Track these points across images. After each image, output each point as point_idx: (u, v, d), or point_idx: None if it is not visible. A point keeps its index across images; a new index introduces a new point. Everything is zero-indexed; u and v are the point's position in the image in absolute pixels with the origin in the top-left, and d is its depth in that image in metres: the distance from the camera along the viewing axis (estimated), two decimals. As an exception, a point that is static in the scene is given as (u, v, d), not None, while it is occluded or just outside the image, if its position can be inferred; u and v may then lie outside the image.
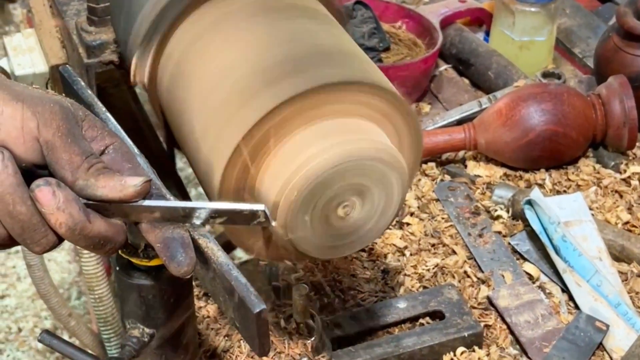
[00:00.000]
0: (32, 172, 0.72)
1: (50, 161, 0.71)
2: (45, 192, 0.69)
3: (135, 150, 0.82)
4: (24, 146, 0.70)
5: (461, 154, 1.31)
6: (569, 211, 1.16)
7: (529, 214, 1.14)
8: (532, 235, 1.16)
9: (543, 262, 1.14)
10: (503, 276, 1.12)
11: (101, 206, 0.72)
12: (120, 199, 0.71)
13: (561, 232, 1.11)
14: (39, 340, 0.85)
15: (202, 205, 0.74)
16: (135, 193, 0.71)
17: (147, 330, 0.87)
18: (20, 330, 2.37)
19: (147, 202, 0.72)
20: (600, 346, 1.03)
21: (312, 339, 0.96)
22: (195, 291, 1.05)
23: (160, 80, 0.96)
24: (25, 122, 0.70)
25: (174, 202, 0.74)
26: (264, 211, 0.76)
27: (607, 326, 1.03)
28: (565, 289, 1.10)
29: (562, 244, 1.10)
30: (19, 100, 0.71)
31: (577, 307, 1.08)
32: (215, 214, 0.74)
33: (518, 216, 1.20)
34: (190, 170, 2.60)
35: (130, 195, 0.71)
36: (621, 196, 1.24)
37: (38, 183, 0.69)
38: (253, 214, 0.76)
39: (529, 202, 1.14)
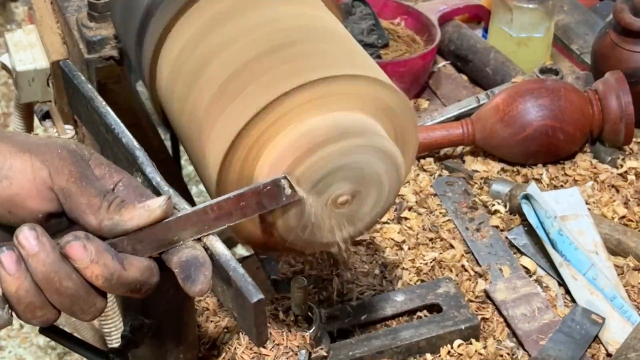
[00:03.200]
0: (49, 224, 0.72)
1: (70, 208, 0.71)
2: (75, 247, 0.68)
3: (135, 143, 0.83)
4: (39, 197, 0.70)
5: (459, 149, 1.32)
6: (566, 205, 1.17)
7: (526, 208, 1.14)
8: (529, 230, 1.17)
9: (540, 256, 1.15)
10: (500, 270, 1.12)
11: (136, 239, 0.72)
12: (151, 223, 0.71)
13: (557, 226, 1.12)
14: (40, 332, 0.86)
15: (226, 197, 0.75)
16: (163, 213, 0.71)
17: (146, 322, 0.88)
18: (22, 326, 2.38)
19: (175, 216, 0.72)
20: (597, 339, 1.04)
21: (311, 331, 0.96)
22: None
23: (159, 76, 0.97)
24: (36, 173, 0.70)
25: (201, 205, 0.74)
26: (287, 178, 0.77)
27: (603, 319, 1.04)
28: (561, 283, 1.11)
29: (558, 237, 1.11)
30: (25, 151, 0.70)
31: (573, 300, 1.09)
32: (241, 200, 0.75)
33: (515, 211, 1.21)
34: (191, 167, 2.61)
35: (159, 216, 0.71)
36: (618, 191, 1.24)
37: (67, 239, 0.68)
38: (277, 186, 0.77)
39: (526, 197, 1.15)
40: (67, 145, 0.73)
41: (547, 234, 1.12)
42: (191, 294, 0.72)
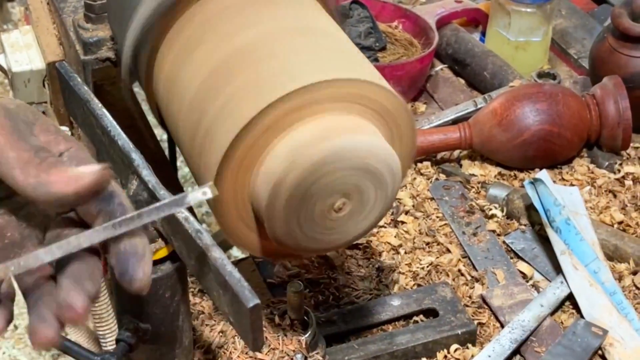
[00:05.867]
0: None
1: None
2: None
3: (132, 146, 0.82)
4: None
5: (456, 153, 1.32)
6: (567, 202, 1.16)
7: (530, 192, 1.14)
8: (527, 234, 1.18)
9: (537, 260, 1.14)
10: (496, 275, 1.12)
11: None
12: (77, 191, 0.62)
13: (566, 215, 1.11)
14: (34, 335, 0.85)
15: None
16: (93, 183, 0.62)
17: (142, 325, 0.88)
18: (16, 327, 2.37)
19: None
20: (597, 353, 1.03)
21: (307, 335, 0.96)
22: (191, 287, 1.06)
23: (156, 79, 0.97)
24: None
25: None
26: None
27: (605, 331, 1.03)
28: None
29: (565, 226, 1.11)
30: None
31: (572, 306, 1.08)
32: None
33: (512, 215, 1.20)
34: (187, 169, 2.61)
35: (88, 187, 0.62)
36: (615, 196, 1.24)
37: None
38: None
39: (532, 182, 1.14)
40: (3, 102, 0.67)
41: (552, 222, 1.11)
42: (128, 291, 0.64)
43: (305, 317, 0.97)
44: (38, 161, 0.63)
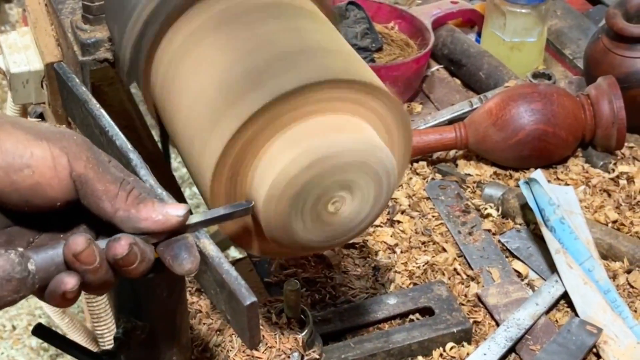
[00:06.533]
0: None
1: (85, 194, 0.70)
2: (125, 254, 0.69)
3: (129, 146, 0.83)
4: (59, 185, 0.69)
5: (452, 153, 1.33)
6: (562, 201, 1.17)
7: (526, 192, 1.14)
8: (522, 233, 1.18)
9: (532, 259, 1.15)
10: (491, 274, 1.13)
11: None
12: (163, 231, 0.71)
13: (560, 214, 1.12)
14: (33, 333, 0.86)
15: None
16: (178, 224, 0.71)
17: (139, 323, 0.88)
18: (14, 328, 2.38)
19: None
20: (592, 350, 1.03)
21: (303, 333, 0.96)
22: (188, 286, 1.06)
23: (153, 80, 0.97)
24: (56, 160, 0.69)
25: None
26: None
27: (599, 329, 1.04)
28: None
29: (559, 225, 1.11)
30: (42, 139, 0.70)
31: (566, 304, 1.09)
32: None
33: (508, 214, 1.21)
34: (184, 170, 2.61)
35: (173, 227, 0.71)
36: (609, 195, 1.25)
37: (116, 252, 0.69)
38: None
39: (527, 182, 1.15)
40: (78, 133, 0.73)
41: (546, 220, 1.12)
42: (179, 273, 0.72)
43: (302, 316, 0.98)
44: (124, 194, 0.71)
